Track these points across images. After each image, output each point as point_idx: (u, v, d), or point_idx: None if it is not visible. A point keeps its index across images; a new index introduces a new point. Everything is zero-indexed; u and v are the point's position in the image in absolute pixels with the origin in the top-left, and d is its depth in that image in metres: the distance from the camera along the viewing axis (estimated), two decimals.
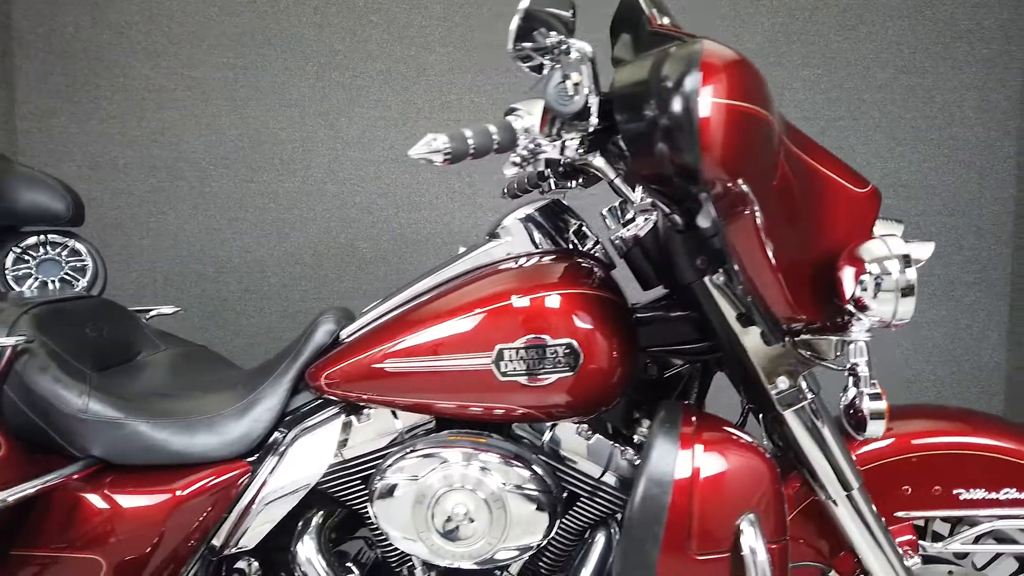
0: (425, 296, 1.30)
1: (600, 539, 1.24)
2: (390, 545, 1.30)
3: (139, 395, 1.31)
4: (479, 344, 1.17)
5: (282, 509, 1.27)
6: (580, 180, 1.52)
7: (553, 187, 1.53)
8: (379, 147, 2.87)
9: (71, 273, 1.64)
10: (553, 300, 1.18)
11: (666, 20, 1.20)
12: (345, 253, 2.91)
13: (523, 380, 1.16)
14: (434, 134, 1.08)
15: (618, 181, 1.37)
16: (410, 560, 1.31)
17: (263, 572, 1.32)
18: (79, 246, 1.66)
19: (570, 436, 1.24)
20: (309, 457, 1.26)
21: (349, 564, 1.31)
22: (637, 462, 1.23)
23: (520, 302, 1.18)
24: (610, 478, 1.23)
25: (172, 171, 2.89)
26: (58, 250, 1.64)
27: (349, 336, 1.33)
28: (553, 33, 1.10)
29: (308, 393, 1.33)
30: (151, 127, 2.89)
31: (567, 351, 1.15)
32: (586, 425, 1.24)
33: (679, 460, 1.02)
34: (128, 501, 1.24)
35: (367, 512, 1.30)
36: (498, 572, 1.26)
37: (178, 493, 1.24)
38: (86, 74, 2.88)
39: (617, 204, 1.34)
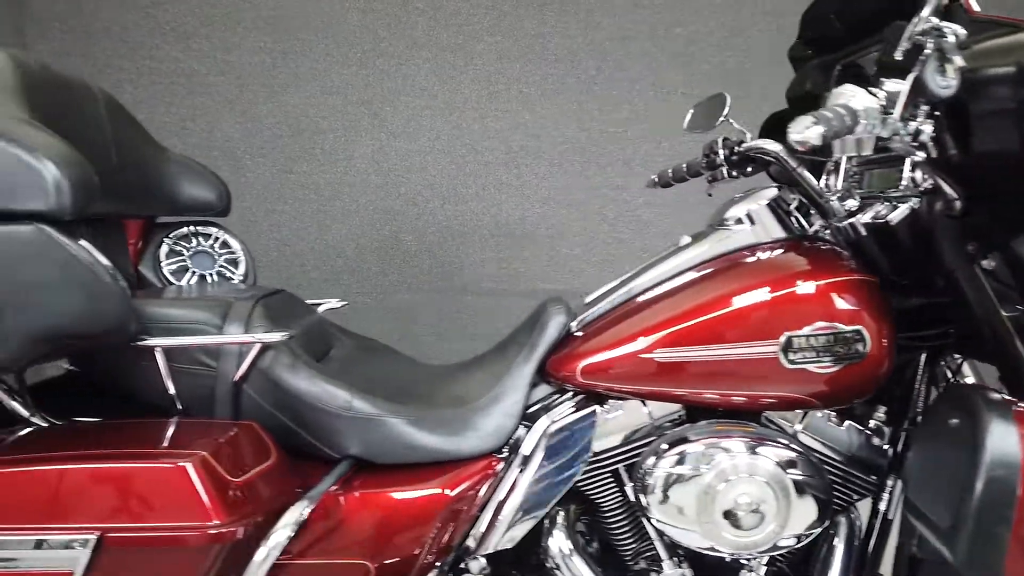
0: (668, 286, 1.28)
1: (843, 528, 1.25)
2: (627, 537, 1.28)
3: (384, 391, 1.24)
4: (764, 332, 1.17)
5: (544, 506, 1.23)
6: (749, 168, 1.53)
7: (726, 175, 1.52)
8: (425, 137, 2.80)
9: (225, 265, 1.54)
10: (840, 286, 1.18)
11: (975, 6, 1.21)
12: (389, 246, 2.83)
13: (812, 368, 1.16)
14: (805, 117, 1.05)
15: (801, 169, 1.37)
16: (647, 551, 1.29)
17: (491, 571, 1.28)
18: (229, 237, 1.55)
19: (821, 423, 1.25)
20: (568, 452, 1.22)
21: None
22: (886, 448, 1.26)
23: (806, 288, 1.18)
24: (859, 465, 1.25)
25: (204, 160, 2.69)
26: (209, 242, 1.53)
27: (581, 328, 1.30)
28: (933, 18, 1.08)
29: (545, 386, 1.29)
30: (181, 113, 2.73)
31: (857, 338, 1.16)
32: (834, 412, 1.25)
33: (1022, 440, 1.05)
34: (390, 502, 1.17)
35: (605, 504, 1.28)
36: (745, 561, 1.26)
37: (437, 492, 1.18)
38: (108, 56, 2.69)
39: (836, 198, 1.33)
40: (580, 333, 1.30)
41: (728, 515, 1.17)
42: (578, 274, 2.89)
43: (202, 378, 1.17)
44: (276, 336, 1.15)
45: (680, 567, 1.27)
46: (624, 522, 1.28)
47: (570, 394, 1.28)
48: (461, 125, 2.81)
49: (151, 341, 1.12)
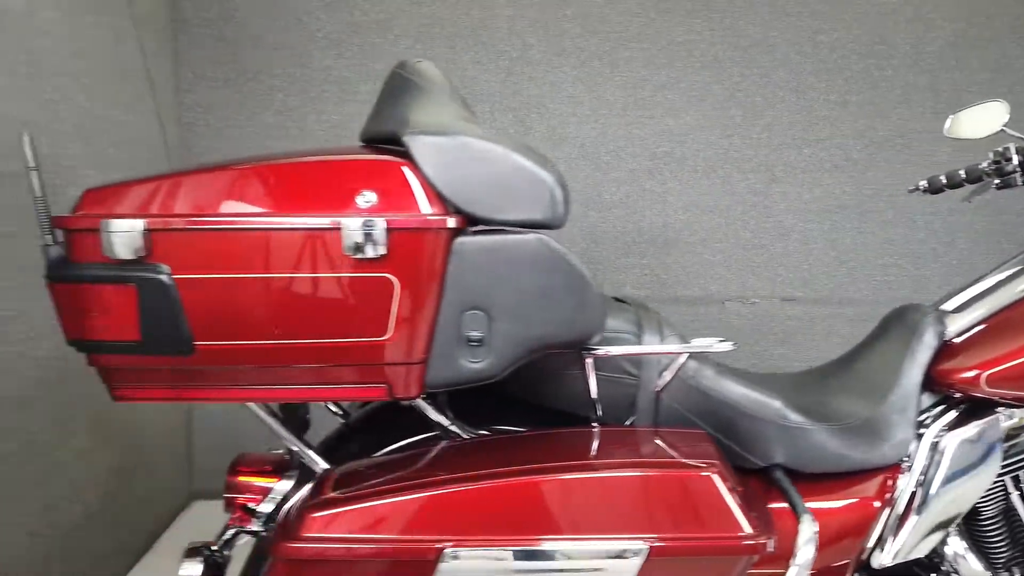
0: None
1: None
2: (1003, 544, 1.29)
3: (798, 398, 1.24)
4: None
5: (958, 515, 1.23)
6: None
7: (1019, 182, 1.51)
8: (570, 144, 2.80)
9: None
10: None
11: None
12: None
13: None
14: None
15: None
16: (1020, 559, 1.30)
17: None
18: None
19: None
20: (976, 461, 1.22)
21: None
22: None
23: None
24: None
25: None
26: None
27: (958, 335, 1.30)
28: None
29: (927, 395, 1.29)
30: (331, 120, 2.72)
31: None
32: None
33: None
34: (828, 512, 1.16)
35: (987, 510, 1.29)
36: None
37: (865, 501, 1.18)
38: (259, 64, 2.68)
39: None
40: (959, 340, 1.30)
41: None
42: (719, 281, 2.90)
43: (623, 386, 1.16)
44: (727, 346, 1.13)
45: None
46: (1002, 529, 1.29)
47: (947, 403, 1.29)
48: (606, 132, 2.81)
49: (606, 350, 1.11)
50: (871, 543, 1.22)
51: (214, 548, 1.08)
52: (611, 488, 0.95)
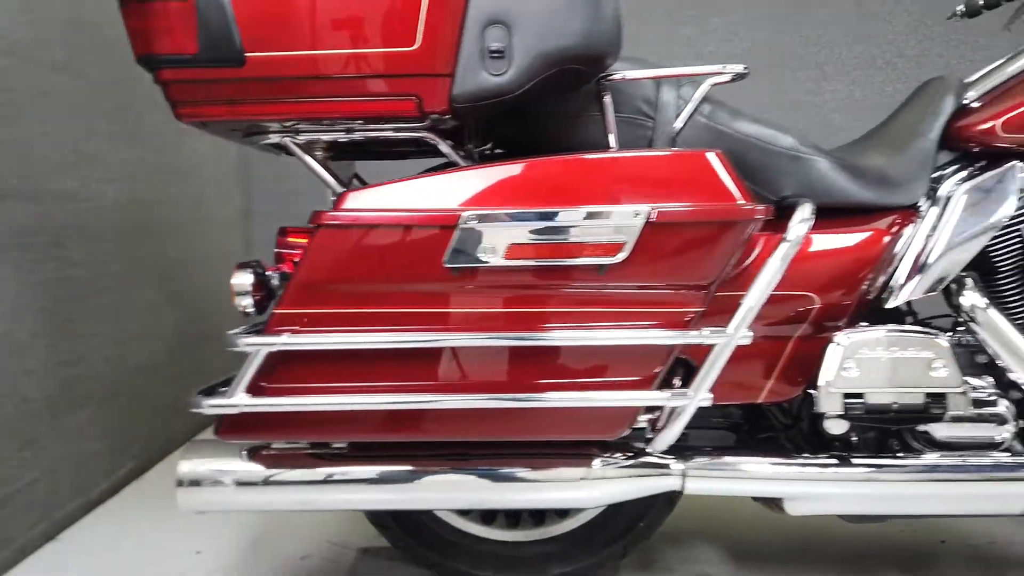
0: None
1: None
2: (1019, 303, 1.30)
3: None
4: None
5: (960, 261, 1.25)
6: None
7: None
8: None
9: None
10: None
11: None
12: None
13: None
14: None
15: None
16: None
17: None
18: None
19: None
20: (986, 209, 1.24)
21: None
22: None
23: None
24: None
25: None
26: None
27: (979, 99, 1.30)
28: None
29: (945, 154, 1.32)
30: None
31: None
32: None
33: None
34: (838, 243, 1.25)
35: (1004, 267, 1.30)
36: None
37: (874, 235, 1.26)
38: None
39: None
40: (978, 103, 1.31)
41: None
42: None
43: (639, 128, 1.20)
44: (739, 67, 1.15)
45: None
46: (1018, 288, 1.29)
47: (965, 161, 1.31)
48: (649, 32, 2.83)
49: (623, 74, 1.15)
50: (883, 279, 1.25)
51: (266, 270, 1.17)
52: (619, 165, 1.05)
